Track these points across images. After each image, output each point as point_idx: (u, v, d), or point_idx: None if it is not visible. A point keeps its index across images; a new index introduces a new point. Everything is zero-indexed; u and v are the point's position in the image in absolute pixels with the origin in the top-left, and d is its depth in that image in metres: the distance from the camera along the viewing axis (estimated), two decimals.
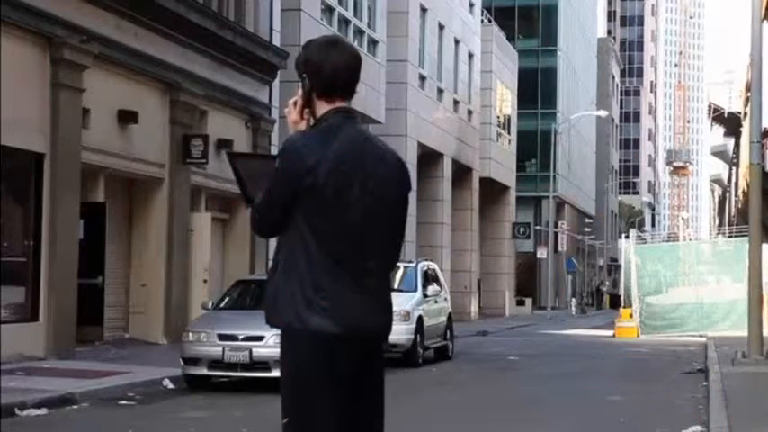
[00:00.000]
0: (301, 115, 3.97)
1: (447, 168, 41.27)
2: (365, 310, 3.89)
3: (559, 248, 62.00)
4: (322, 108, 3.94)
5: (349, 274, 3.86)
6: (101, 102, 18.41)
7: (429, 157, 38.93)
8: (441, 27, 40.41)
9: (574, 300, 62.50)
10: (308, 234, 3.82)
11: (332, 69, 3.91)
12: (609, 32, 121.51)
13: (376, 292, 3.94)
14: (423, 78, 37.92)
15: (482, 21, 48.57)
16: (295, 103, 3.99)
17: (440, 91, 40.55)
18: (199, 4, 21.61)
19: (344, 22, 29.96)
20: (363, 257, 3.88)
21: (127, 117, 19.25)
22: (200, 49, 21.89)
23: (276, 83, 25.57)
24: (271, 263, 4.01)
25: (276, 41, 25.48)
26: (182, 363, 14.69)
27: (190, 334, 14.89)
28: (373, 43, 32.12)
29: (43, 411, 11.43)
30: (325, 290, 3.82)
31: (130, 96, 19.51)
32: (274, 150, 25.84)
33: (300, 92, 3.97)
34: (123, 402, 12.79)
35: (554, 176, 59.24)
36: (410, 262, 23.30)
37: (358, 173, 3.86)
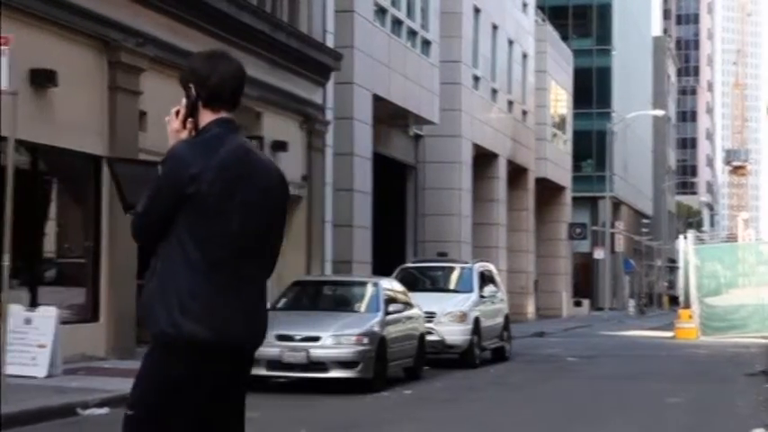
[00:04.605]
0: (184, 124, 4.02)
1: (502, 169, 41.06)
2: (239, 317, 3.93)
3: (616, 249, 61.43)
4: (206, 118, 4.01)
5: (226, 281, 3.90)
6: (157, 104, 18.50)
7: (484, 158, 38.78)
8: (494, 27, 40.23)
9: (632, 300, 61.88)
10: (188, 241, 3.86)
11: (219, 80, 3.99)
12: (665, 31, 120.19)
13: (252, 300, 3.99)
14: (477, 79, 37.78)
15: (536, 21, 48.28)
16: (177, 113, 4.04)
17: (494, 91, 40.36)
18: (252, 6, 21.70)
19: (397, 23, 29.92)
20: (242, 265, 3.93)
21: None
22: (254, 51, 21.96)
23: (330, 84, 25.60)
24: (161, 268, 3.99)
25: (329, 43, 25.49)
26: None
27: None
28: (426, 44, 32.04)
29: (105, 411, 11.51)
30: (201, 296, 3.85)
31: None
32: (329, 151, 25.89)
33: (184, 101, 4.02)
34: None
35: (610, 176, 58.70)
36: (466, 263, 23.20)
37: (241, 182, 3.92)
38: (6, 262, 11.18)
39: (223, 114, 4.02)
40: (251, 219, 3.94)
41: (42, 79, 15.08)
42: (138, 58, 17.38)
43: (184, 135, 4.01)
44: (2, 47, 11.16)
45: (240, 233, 3.91)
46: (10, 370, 11.67)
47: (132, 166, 4.44)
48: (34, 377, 13.00)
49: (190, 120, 4.01)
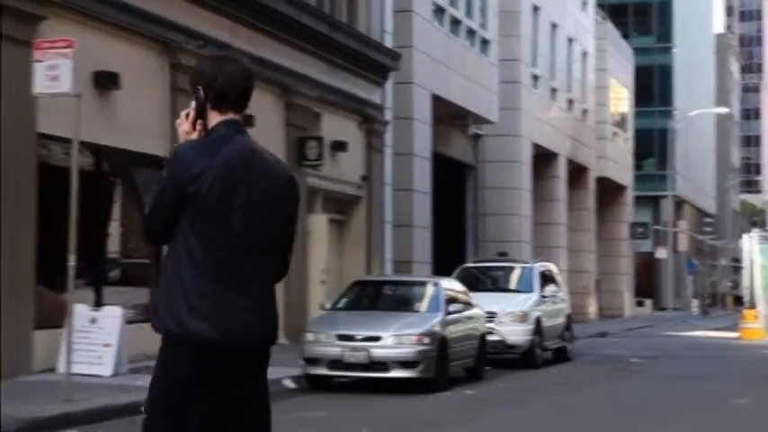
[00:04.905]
0: (193, 126, 4.05)
1: (562, 168, 40.77)
2: (245, 316, 3.90)
3: (679, 249, 60.68)
4: (214, 119, 4.04)
5: (231, 280, 3.88)
6: None
7: (544, 157, 38.52)
8: (553, 26, 39.96)
9: (695, 300, 61.10)
10: (192, 240, 3.88)
11: (225, 82, 4.03)
12: (728, 28, 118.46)
13: (259, 299, 3.95)
14: (536, 78, 37.55)
15: (595, 19, 47.86)
16: (187, 115, 4.07)
17: (553, 90, 40.09)
18: (311, 7, 21.77)
19: (456, 22, 29.84)
20: (245, 264, 3.91)
21: (243, 120, 19.41)
22: (312, 52, 22.04)
23: (389, 84, 25.60)
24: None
25: (388, 43, 25.49)
26: (303, 363, 14.79)
27: (309, 334, 14.98)
28: (485, 43, 31.92)
29: None
30: (207, 296, 3.85)
31: None
32: (388, 151, 25.89)
33: (193, 103, 4.06)
34: None
35: (672, 175, 57.97)
36: (526, 263, 23.07)
37: (243, 182, 3.93)
38: (72, 262, 11.32)
39: (230, 115, 4.05)
40: (254, 219, 3.94)
41: (106, 81, 15.27)
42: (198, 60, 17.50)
43: (194, 137, 4.06)
44: (66, 50, 11.31)
45: (243, 233, 3.91)
46: (76, 369, 11.82)
47: (156, 172, 4.53)
48: (100, 376, 13.17)
49: (199, 121, 4.05)
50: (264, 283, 3.99)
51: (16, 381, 12.84)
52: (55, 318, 13.16)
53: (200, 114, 4.05)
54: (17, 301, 13.49)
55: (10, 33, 13.47)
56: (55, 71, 11.20)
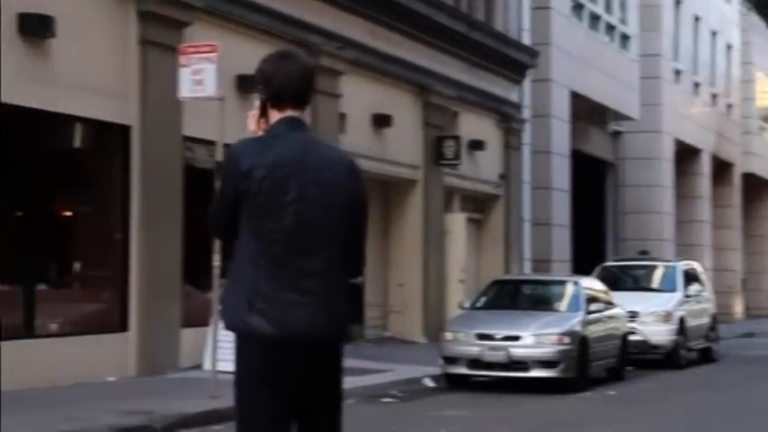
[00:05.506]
0: (258, 125, 4.09)
1: (706, 164, 39.73)
2: (302, 312, 3.88)
3: None
4: (274, 117, 4.07)
5: (287, 276, 3.88)
6: (356, 106, 18.85)
7: (686, 153, 37.61)
8: (696, 19, 38.96)
9: None
10: (250, 237, 3.92)
11: (281, 80, 4.06)
12: None
13: (318, 294, 3.92)
14: (678, 72, 36.68)
15: (740, 10, 46.45)
16: (254, 114, 4.13)
17: (696, 85, 39.09)
18: (449, 7, 21.78)
19: (595, 18, 29.40)
20: (301, 260, 3.90)
21: (381, 120, 19.63)
22: (450, 51, 22.05)
23: (527, 82, 25.41)
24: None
25: (526, 41, 25.31)
26: (441, 361, 14.80)
27: (448, 333, 14.98)
28: (625, 38, 31.37)
29: None
30: (264, 292, 3.87)
31: (384, 100, 19.88)
32: (526, 149, 25.71)
33: (258, 102, 4.11)
34: (386, 400, 12.99)
35: None
36: (669, 261, 22.61)
37: (295, 178, 3.93)
38: (216, 262, 11.60)
39: (289, 113, 4.07)
40: (307, 215, 3.94)
41: (247, 85, 15.57)
42: (338, 62, 17.73)
43: (259, 135, 4.13)
44: (210, 54, 11.60)
45: (295, 230, 3.92)
46: (221, 366, 12.08)
47: None
48: None
49: (262, 120, 4.11)
50: (327, 279, 3.98)
51: (165, 378, 13.25)
52: (201, 316, 13.51)
53: (263, 113, 4.12)
54: (166, 300, 13.91)
55: (156, 39, 13.91)
56: (200, 75, 11.51)
